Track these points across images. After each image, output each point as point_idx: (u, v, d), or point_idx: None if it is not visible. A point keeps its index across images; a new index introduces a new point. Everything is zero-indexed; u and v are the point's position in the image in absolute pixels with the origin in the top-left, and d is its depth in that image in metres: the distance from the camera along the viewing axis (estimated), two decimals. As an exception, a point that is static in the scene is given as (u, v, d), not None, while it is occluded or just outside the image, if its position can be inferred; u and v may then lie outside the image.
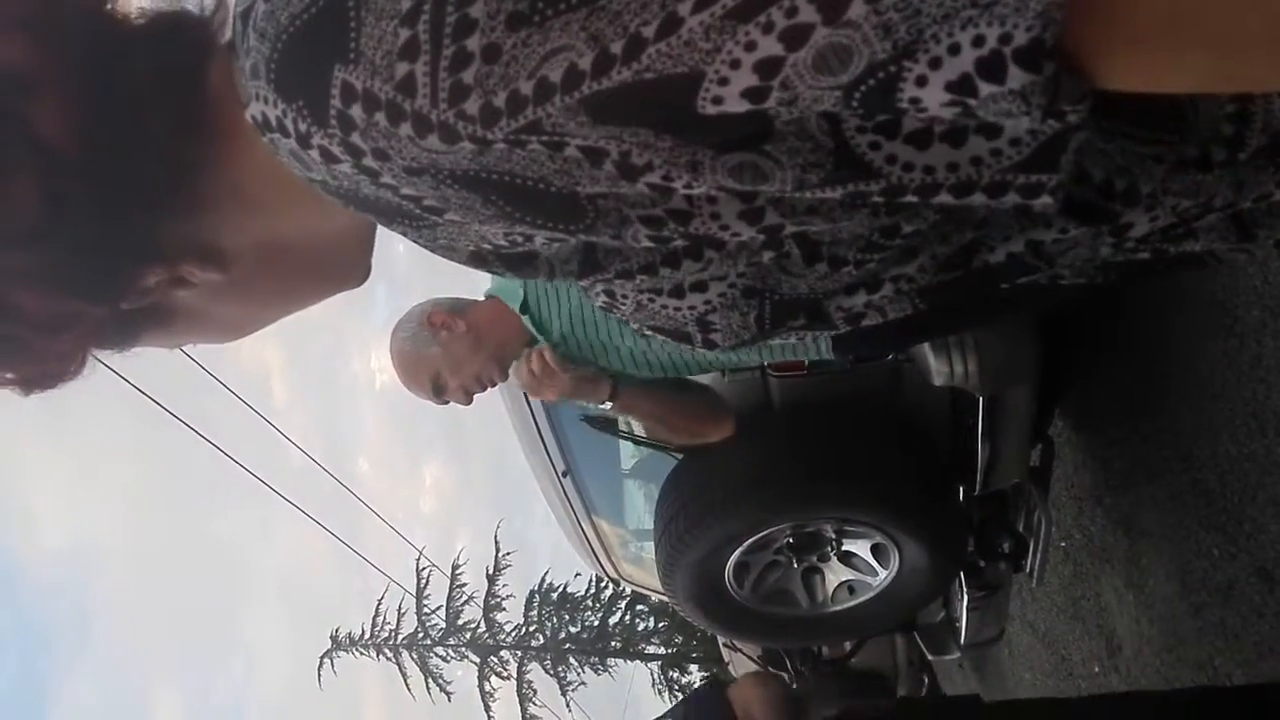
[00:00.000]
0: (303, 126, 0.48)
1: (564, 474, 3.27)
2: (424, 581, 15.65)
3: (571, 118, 0.44)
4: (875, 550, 2.84)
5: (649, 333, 0.70)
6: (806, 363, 2.46)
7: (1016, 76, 0.38)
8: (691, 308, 0.64)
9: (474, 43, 0.43)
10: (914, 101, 0.41)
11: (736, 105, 0.42)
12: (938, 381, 2.34)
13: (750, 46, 0.40)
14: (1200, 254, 0.66)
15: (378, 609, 16.04)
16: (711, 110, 0.42)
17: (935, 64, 0.39)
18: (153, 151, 0.57)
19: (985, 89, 0.39)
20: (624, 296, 0.65)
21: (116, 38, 0.59)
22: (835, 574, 2.95)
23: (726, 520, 2.67)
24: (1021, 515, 3.01)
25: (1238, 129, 0.55)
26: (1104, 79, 0.41)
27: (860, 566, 2.92)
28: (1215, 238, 0.64)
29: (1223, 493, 2.70)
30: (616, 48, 0.41)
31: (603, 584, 15.95)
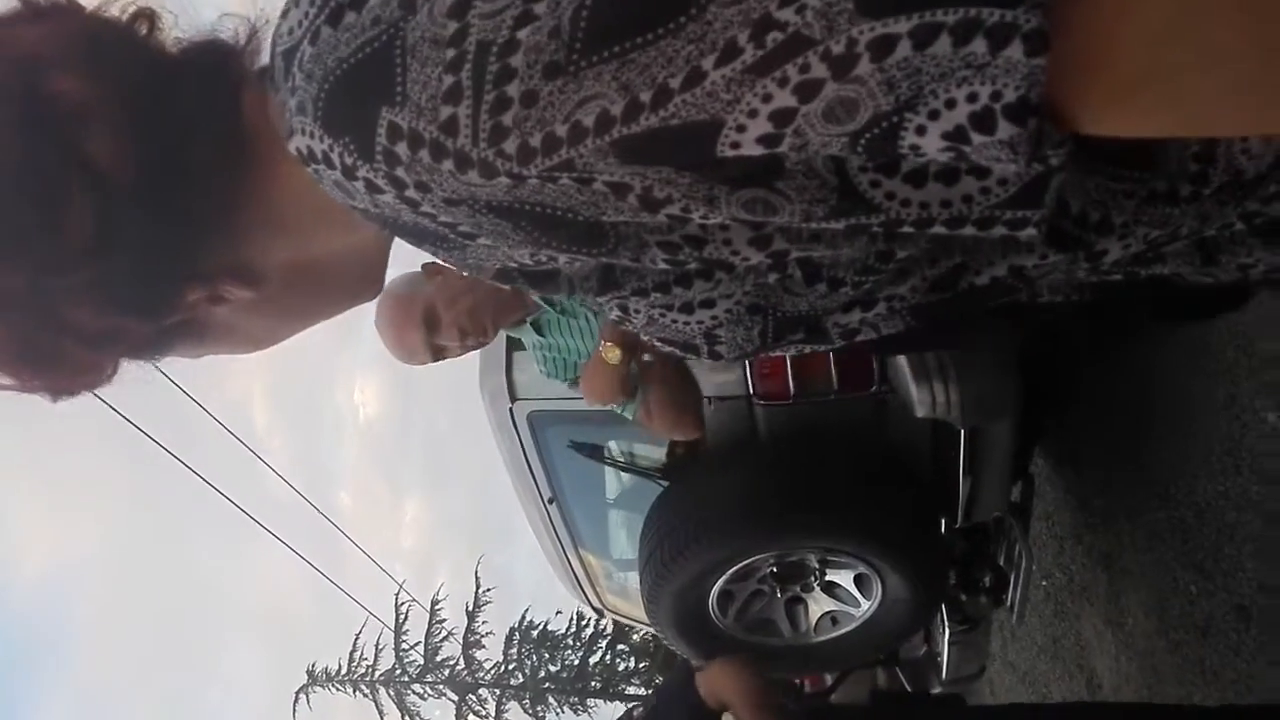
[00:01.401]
0: (349, 160, 0.52)
1: (550, 501, 3.29)
2: (403, 617, 15.52)
3: (601, 158, 0.47)
4: (858, 581, 2.86)
5: (658, 344, 0.74)
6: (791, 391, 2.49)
7: (1005, 129, 0.43)
8: (700, 323, 0.68)
9: (513, 89, 0.46)
10: (914, 148, 0.45)
11: (753, 150, 0.46)
12: (920, 413, 2.38)
13: (767, 98, 0.44)
14: (1168, 276, 0.71)
15: (355, 644, 15.88)
16: (730, 153, 0.46)
17: (933, 116, 0.43)
18: (197, 176, 0.62)
19: (977, 139, 0.43)
20: (637, 311, 0.69)
21: (160, 68, 0.64)
22: (819, 604, 2.97)
23: (710, 548, 2.69)
24: (1002, 549, 3.04)
25: (1202, 167, 0.60)
26: (1082, 128, 0.45)
27: (843, 597, 2.94)
28: (1181, 262, 0.68)
29: (1200, 531, 2.74)
30: (645, 97, 0.45)
31: (584, 622, 15.84)
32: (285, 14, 0.57)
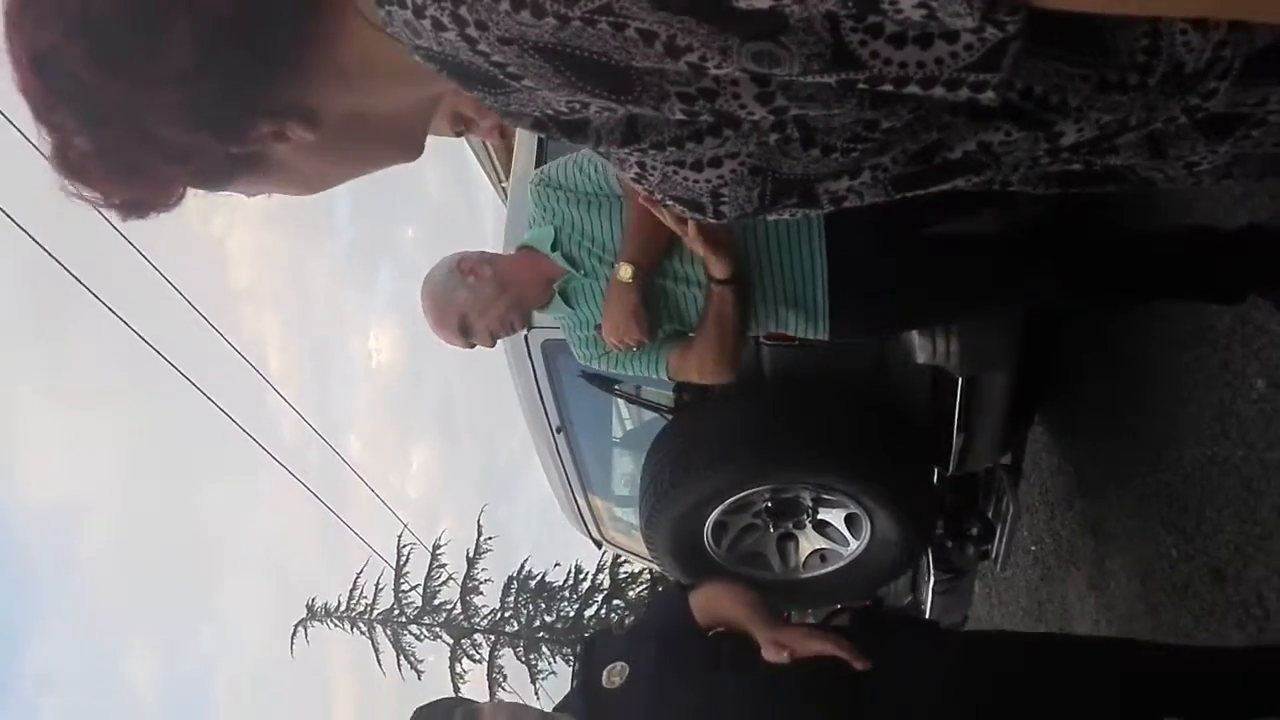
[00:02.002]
0: (419, 1, 0.61)
1: (558, 430, 3.39)
2: (404, 559, 15.74)
3: (635, 3, 0.56)
4: (849, 521, 2.96)
5: (670, 202, 0.84)
6: (797, 339, 2.58)
7: None
8: (708, 181, 0.77)
9: None
10: (892, 3, 0.54)
11: (762, 2, 0.55)
12: (920, 359, 2.47)
13: None
14: (1122, 168, 0.80)
15: (355, 582, 16.12)
16: (743, 5, 0.55)
17: None
18: (280, 21, 0.71)
19: None
20: (653, 168, 0.78)
21: None
22: (809, 541, 3.07)
23: (709, 477, 2.79)
24: (991, 502, 3.13)
25: (1148, 59, 0.68)
26: None
27: (833, 536, 3.04)
28: (1133, 154, 0.77)
29: (1185, 495, 2.82)
30: None
31: (581, 576, 16.04)
32: None
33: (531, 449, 3.67)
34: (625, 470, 3.74)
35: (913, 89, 0.62)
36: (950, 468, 2.86)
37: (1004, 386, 2.63)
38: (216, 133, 0.74)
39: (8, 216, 5.80)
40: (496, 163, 9.21)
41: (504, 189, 7.90)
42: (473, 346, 2.14)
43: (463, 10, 0.59)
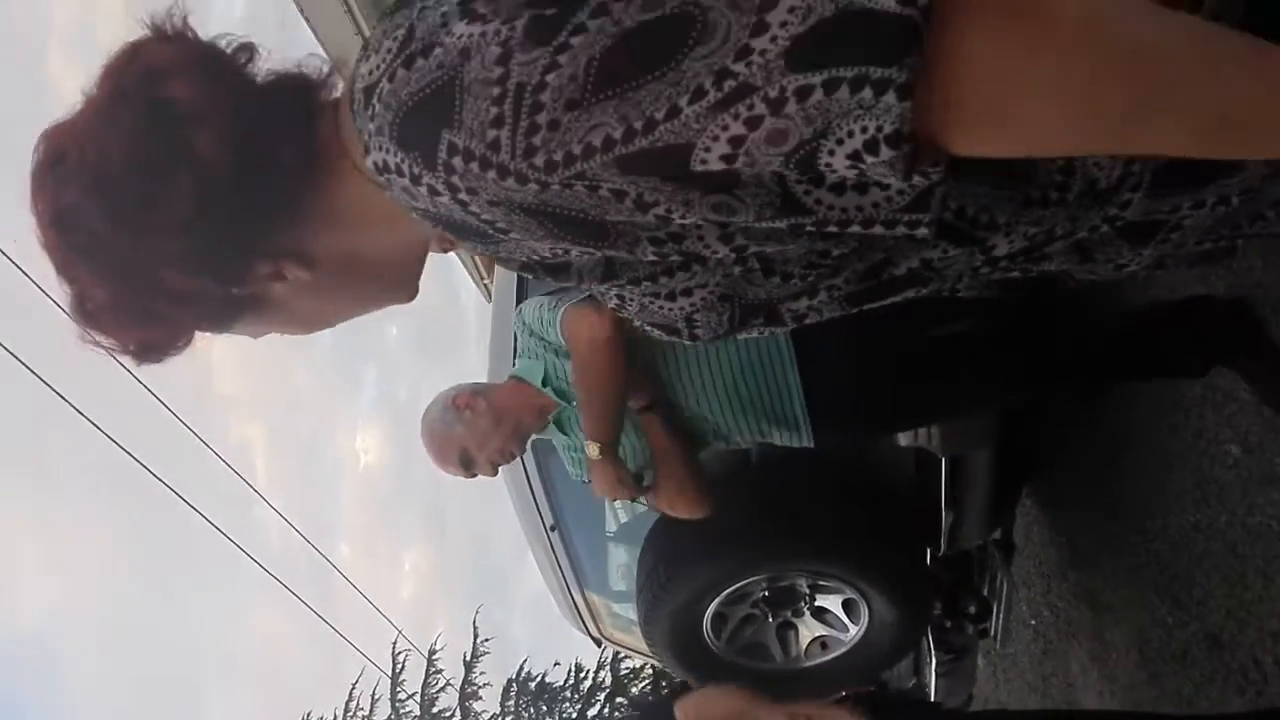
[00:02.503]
0: (416, 170, 0.68)
1: (552, 529, 3.41)
2: (400, 666, 15.42)
3: (606, 170, 0.64)
4: (846, 606, 2.98)
5: (649, 329, 0.91)
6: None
7: (886, 153, 0.59)
8: (681, 309, 0.85)
9: (542, 118, 0.63)
10: (828, 165, 0.61)
11: (717, 165, 0.62)
12: (903, 441, 2.53)
13: (725, 128, 0.60)
14: (1057, 272, 0.87)
15: (351, 693, 15.75)
16: (700, 168, 0.63)
17: (839, 142, 0.60)
18: (278, 175, 0.79)
19: (869, 159, 0.60)
20: (631, 299, 0.86)
21: (256, 88, 0.82)
22: (809, 629, 3.08)
23: (704, 570, 2.81)
24: (986, 580, 3.15)
25: (1065, 178, 0.76)
26: (949, 150, 0.62)
27: (832, 622, 3.05)
28: (1064, 260, 0.85)
29: (1174, 562, 2.86)
30: (638, 125, 0.61)
31: (582, 674, 15.73)
32: (365, 58, 0.73)
33: (525, 546, 3.69)
34: (621, 565, 3.75)
35: (855, 229, 0.70)
36: (942, 547, 2.89)
37: (987, 464, 2.69)
38: (218, 277, 0.81)
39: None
40: (478, 260, 9.37)
41: (486, 285, 8.02)
42: (475, 476, 2.21)
43: (455, 179, 0.67)
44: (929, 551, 3.00)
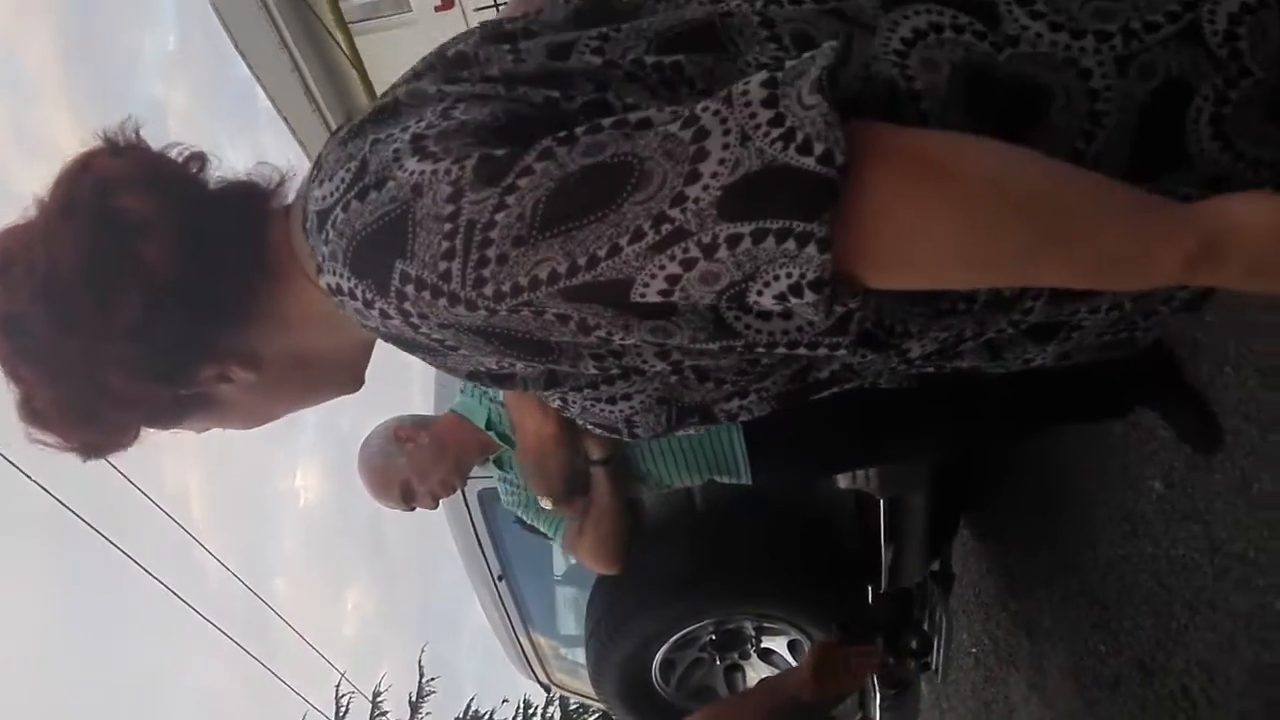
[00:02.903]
0: (369, 296, 0.71)
1: (499, 578, 3.40)
2: (344, 710, 15.11)
3: (551, 299, 0.68)
4: (791, 646, 3.02)
5: (590, 427, 0.94)
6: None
7: (809, 296, 0.64)
8: (621, 411, 0.89)
9: (491, 252, 0.66)
10: (756, 303, 0.66)
11: (655, 298, 0.67)
12: (841, 484, 2.59)
13: (662, 267, 0.65)
14: (969, 369, 0.93)
15: (295, 740, 15.37)
16: (638, 299, 0.67)
17: (766, 285, 0.64)
18: (225, 281, 0.81)
19: (794, 301, 0.65)
20: (574, 401, 0.90)
21: (206, 197, 0.84)
22: (756, 670, 3.11)
23: (652, 619, 2.83)
24: (926, 614, 3.21)
25: (971, 289, 0.82)
26: (867, 284, 0.67)
27: (779, 663, 3.08)
28: (975, 358, 0.90)
29: (1105, 593, 2.95)
30: (582, 261, 0.65)
31: (530, 710, 15.57)
32: (320, 182, 0.76)
33: (470, 585, 3.67)
34: (569, 608, 3.75)
35: (780, 350, 0.75)
36: (883, 585, 2.95)
37: (924, 503, 2.76)
38: (164, 381, 0.83)
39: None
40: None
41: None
42: (414, 509, 2.20)
43: (407, 305, 0.70)
44: (870, 589, 3.06)
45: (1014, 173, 0.67)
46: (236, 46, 12.87)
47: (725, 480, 2.21)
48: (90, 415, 0.83)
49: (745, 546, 2.80)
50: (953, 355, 0.88)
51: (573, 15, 0.87)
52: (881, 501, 2.70)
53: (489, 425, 2.18)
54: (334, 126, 13.28)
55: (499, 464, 2.26)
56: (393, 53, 12.62)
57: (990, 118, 0.75)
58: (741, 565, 2.80)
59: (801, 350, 0.74)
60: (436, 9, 12.89)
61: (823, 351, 0.74)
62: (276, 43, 12.44)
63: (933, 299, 0.80)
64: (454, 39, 0.89)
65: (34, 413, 0.83)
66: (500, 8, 8.92)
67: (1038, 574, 3.44)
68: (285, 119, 13.51)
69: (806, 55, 0.67)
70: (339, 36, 8.55)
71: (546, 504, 2.17)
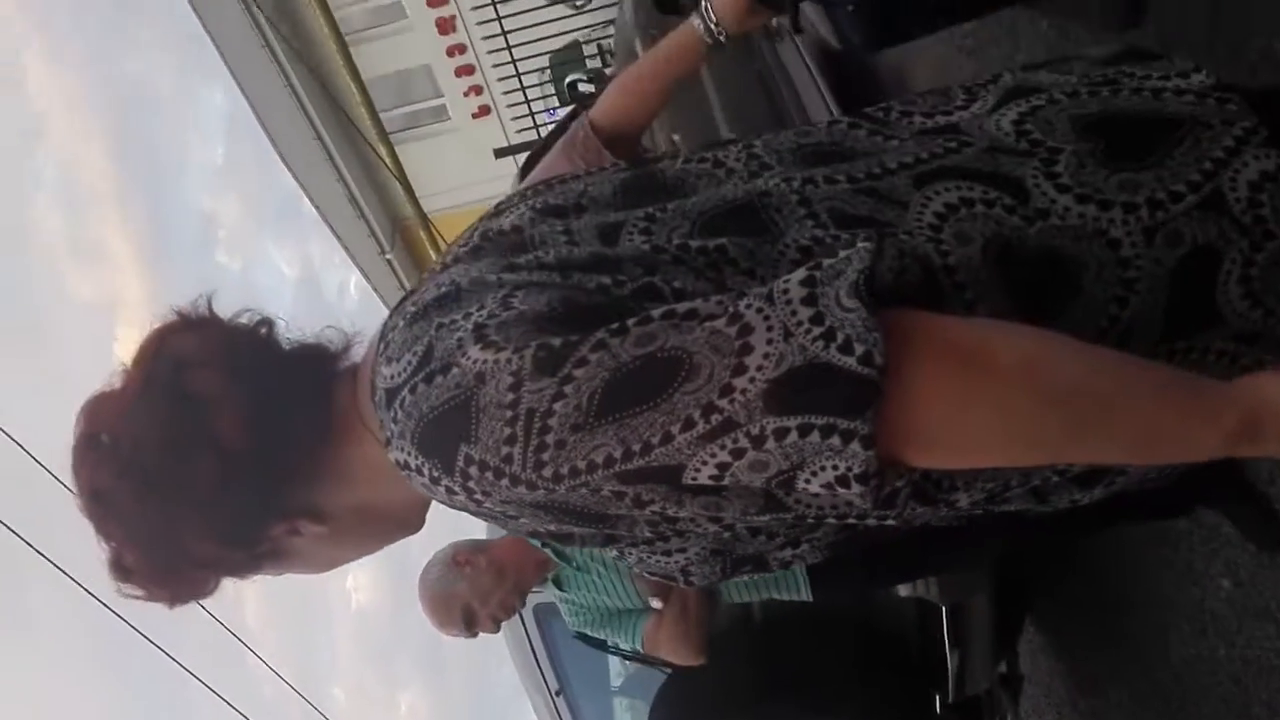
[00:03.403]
0: (435, 474, 0.76)
1: (557, 693, 3.38)
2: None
3: (607, 481, 0.72)
4: (860, 762, 2.95)
5: (647, 575, 0.98)
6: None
7: (856, 487, 0.67)
8: (677, 562, 0.92)
9: (550, 439, 0.71)
10: (804, 489, 0.70)
11: (706, 481, 0.71)
12: (902, 592, 2.57)
13: (713, 455, 0.69)
14: (1017, 511, 0.94)
15: None
16: (690, 482, 0.71)
17: (813, 475, 0.68)
18: (294, 444, 0.87)
19: (841, 491, 0.68)
20: (630, 553, 0.93)
21: (275, 363, 0.90)
22: (821, 786, 3.04)
23: (716, 733, 2.79)
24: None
25: None
26: (914, 465, 0.71)
27: (845, 778, 3.01)
28: (1022, 502, 0.91)
29: (1179, 693, 2.87)
30: (636, 447, 0.70)
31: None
32: (388, 360, 0.81)
33: (526, 698, 3.63)
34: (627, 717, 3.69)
35: (830, 521, 0.79)
36: (950, 694, 2.89)
37: (988, 607, 2.72)
38: (238, 542, 0.88)
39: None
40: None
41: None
42: (476, 635, 2.22)
43: (471, 484, 0.75)
44: (938, 698, 2.99)
45: (1048, 361, 0.70)
46: (282, 158, 13.37)
47: (784, 597, 2.21)
48: (173, 573, 0.89)
49: (807, 660, 2.76)
50: (1000, 501, 0.90)
51: (620, 189, 0.93)
52: (944, 608, 2.67)
53: (545, 542, 2.21)
54: (377, 231, 13.58)
55: (557, 584, 2.28)
56: (433, 158, 13.09)
57: (1024, 288, 0.79)
58: (804, 679, 2.76)
59: (850, 520, 0.78)
60: (474, 116, 13.35)
61: (871, 522, 0.78)
62: (321, 155, 12.93)
63: None
64: (504, 202, 0.96)
65: (123, 571, 0.89)
66: (521, 75, 9.18)
67: (1108, 674, 3.35)
68: (330, 225, 13.92)
69: (844, 254, 0.71)
70: (381, 150, 8.88)
71: (656, 603, 2.17)
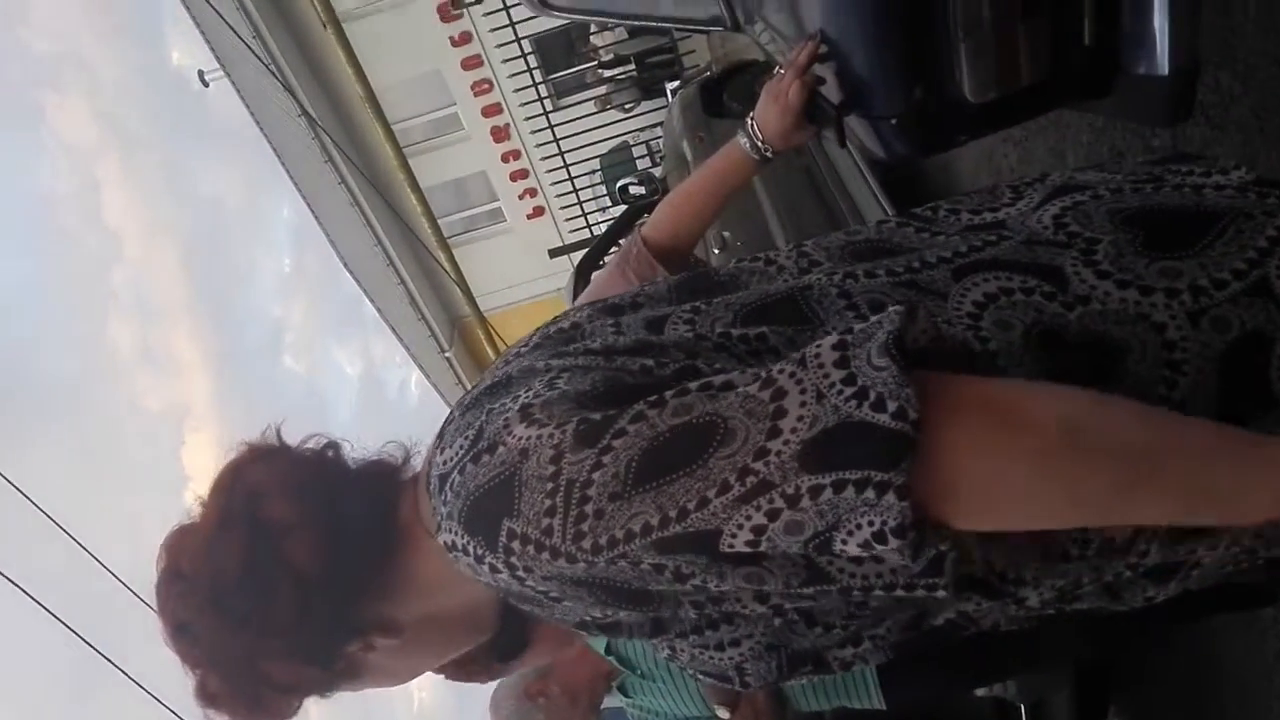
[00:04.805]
0: (479, 551, 0.78)
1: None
2: None
3: (645, 551, 0.72)
4: None
5: (701, 677, 0.97)
6: None
7: (894, 542, 0.66)
8: (730, 658, 0.90)
9: (589, 508, 0.72)
10: (842, 551, 0.69)
11: (743, 547, 0.70)
12: (979, 692, 2.50)
13: (748, 518, 0.68)
14: (1089, 610, 0.91)
15: None
16: (728, 549, 0.70)
17: (850, 534, 0.67)
18: (364, 562, 0.89)
19: (879, 547, 0.67)
20: (682, 650, 0.92)
21: (342, 483, 0.93)
22: None
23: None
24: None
25: (1083, 534, 0.81)
26: (955, 526, 0.69)
27: None
28: (1095, 600, 0.88)
29: (1279, 789, 2.72)
30: (673, 514, 0.70)
31: None
32: (442, 449, 0.84)
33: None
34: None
35: (878, 593, 0.77)
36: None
37: (1068, 706, 2.63)
38: (316, 664, 0.91)
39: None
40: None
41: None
42: None
43: (513, 559, 0.76)
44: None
45: (1088, 415, 0.68)
46: (345, 265, 13.82)
47: (856, 705, 2.16)
48: (257, 698, 0.92)
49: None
50: (1071, 599, 0.87)
51: (674, 286, 0.96)
52: (1023, 707, 2.58)
53: (608, 650, 2.20)
54: (436, 331, 13.88)
55: (623, 691, 2.26)
56: (490, 259, 13.44)
57: (1068, 373, 0.77)
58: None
59: (899, 592, 0.76)
60: (528, 218, 13.72)
61: (921, 593, 0.74)
62: (382, 260, 13.35)
63: (1042, 547, 0.81)
64: (563, 314, 0.99)
65: (209, 697, 0.91)
66: (573, 177, 9.38)
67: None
68: (391, 327, 14.28)
69: (874, 319, 0.71)
70: (440, 255, 9.13)
71: (724, 713, 2.14)
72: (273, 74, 9.40)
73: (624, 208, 6.97)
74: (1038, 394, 0.70)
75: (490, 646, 1.01)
